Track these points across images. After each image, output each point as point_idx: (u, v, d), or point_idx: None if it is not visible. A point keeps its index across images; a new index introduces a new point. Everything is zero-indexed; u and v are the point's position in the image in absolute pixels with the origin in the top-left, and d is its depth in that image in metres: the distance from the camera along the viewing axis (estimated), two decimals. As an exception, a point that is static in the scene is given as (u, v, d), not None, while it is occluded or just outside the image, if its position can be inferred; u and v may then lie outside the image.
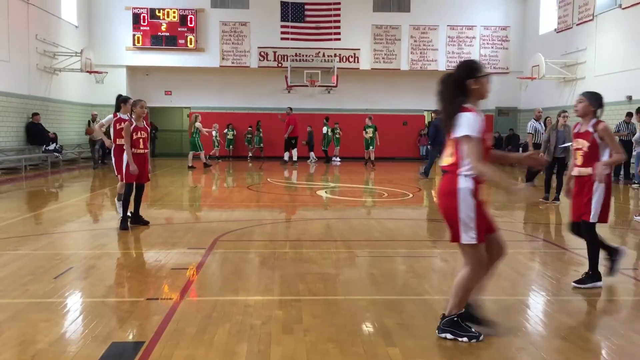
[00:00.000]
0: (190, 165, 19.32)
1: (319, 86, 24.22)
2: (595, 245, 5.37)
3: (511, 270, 6.03)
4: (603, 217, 5.28)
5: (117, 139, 8.67)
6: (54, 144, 18.75)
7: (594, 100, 5.28)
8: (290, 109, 21.79)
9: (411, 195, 13.01)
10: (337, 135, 23.12)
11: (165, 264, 6.15)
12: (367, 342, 3.93)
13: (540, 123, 13.59)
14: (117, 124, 8.70)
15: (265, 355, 3.63)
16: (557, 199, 11.35)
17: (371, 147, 20.59)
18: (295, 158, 21.59)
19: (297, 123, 21.47)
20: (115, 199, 9.15)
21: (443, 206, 3.95)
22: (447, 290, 5.34)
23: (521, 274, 5.98)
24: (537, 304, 5.05)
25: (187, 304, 4.74)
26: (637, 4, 16.58)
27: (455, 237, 3.87)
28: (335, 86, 24.24)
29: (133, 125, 7.98)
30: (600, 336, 4.16)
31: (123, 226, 7.99)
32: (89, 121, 21.07)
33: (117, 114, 8.78)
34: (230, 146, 24.62)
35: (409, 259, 6.57)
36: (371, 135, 20.42)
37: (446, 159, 3.93)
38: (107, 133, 9.49)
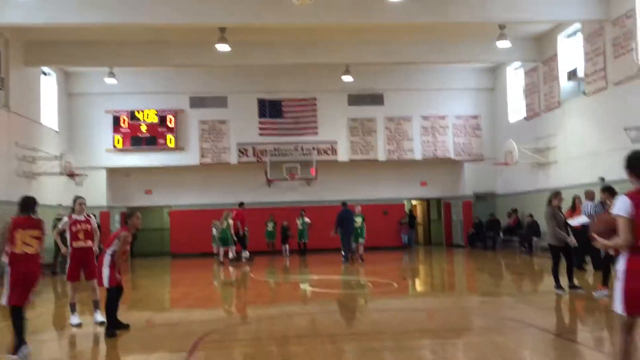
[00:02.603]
0: (222, 261, 19.56)
1: (299, 179, 24.45)
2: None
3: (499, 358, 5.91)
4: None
5: (74, 242, 8.53)
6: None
7: None
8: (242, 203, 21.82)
9: (396, 285, 12.88)
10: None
11: (145, 370, 5.91)
12: None
13: (593, 203, 12.30)
14: (73, 227, 8.60)
15: None
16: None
17: (360, 239, 19.48)
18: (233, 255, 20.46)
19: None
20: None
21: None
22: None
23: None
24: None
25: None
26: (600, 90, 17.35)
27: None
28: (315, 178, 24.52)
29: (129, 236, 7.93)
30: None
31: (110, 332, 7.67)
32: (54, 224, 19.60)
33: (72, 215, 8.72)
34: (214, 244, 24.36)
35: (397, 352, 6.41)
36: (360, 225, 19.75)
37: None
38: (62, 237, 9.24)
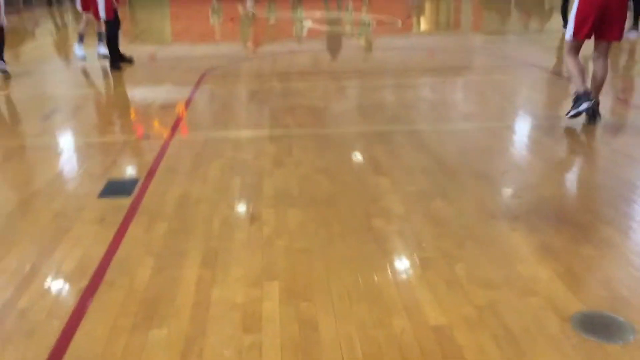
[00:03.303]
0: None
1: None
2: None
3: (499, 97, 6.06)
4: None
5: None
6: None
7: None
8: None
9: (400, 23, 12.63)
10: None
11: (153, 102, 6.11)
12: (357, 172, 4.03)
13: None
14: None
15: (258, 187, 3.74)
16: None
17: None
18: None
19: None
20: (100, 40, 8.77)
21: None
22: (435, 119, 5.39)
23: (509, 100, 6.01)
24: (523, 129, 5.13)
25: (178, 141, 4.78)
26: None
27: None
28: None
29: None
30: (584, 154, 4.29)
31: (115, 65, 7.70)
32: None
33: None
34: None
35: (398, 90, 6.55)
36: None
37: None
38: None
